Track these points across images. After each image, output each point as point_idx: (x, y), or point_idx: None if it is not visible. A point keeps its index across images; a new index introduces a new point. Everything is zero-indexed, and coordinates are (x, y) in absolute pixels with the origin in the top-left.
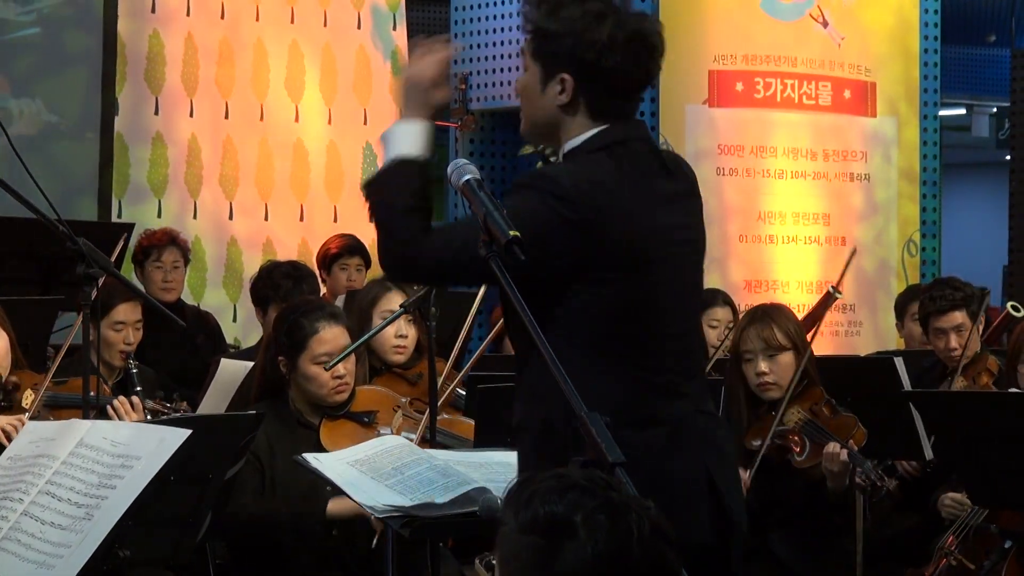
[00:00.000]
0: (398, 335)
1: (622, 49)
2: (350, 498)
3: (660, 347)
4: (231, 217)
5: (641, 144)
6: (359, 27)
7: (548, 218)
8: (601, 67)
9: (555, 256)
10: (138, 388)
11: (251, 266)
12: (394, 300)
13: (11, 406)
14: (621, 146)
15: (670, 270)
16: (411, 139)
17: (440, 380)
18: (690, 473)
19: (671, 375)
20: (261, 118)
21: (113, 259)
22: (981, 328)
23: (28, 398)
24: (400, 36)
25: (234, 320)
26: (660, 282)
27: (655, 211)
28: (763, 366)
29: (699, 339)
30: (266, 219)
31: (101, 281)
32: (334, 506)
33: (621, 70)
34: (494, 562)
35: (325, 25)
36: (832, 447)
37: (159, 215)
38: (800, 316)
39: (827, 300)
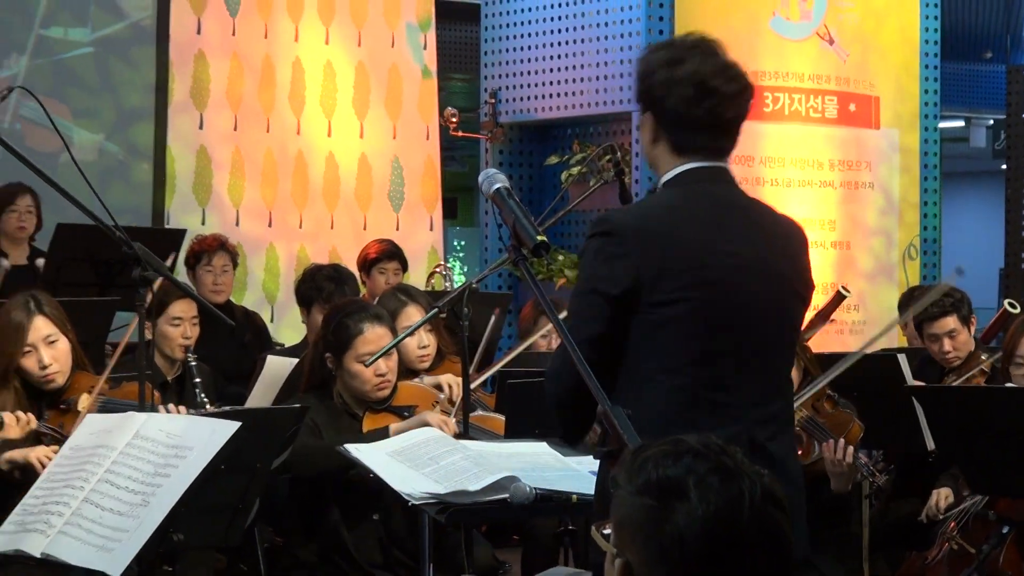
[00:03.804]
0: (420, 346)
1: (682, 90)
2: (388, 486)
3: (719, 366)
4: (270, 224)
5: (716, 183)
6: (392, 46)
7: (605, 253)
8: (668, 106)
9: (618, 282)
10: (197, 380)
11: (286, 270)
12: (411, 314)
13: (69, 409)
14: (697, 184)
15: (736, 292)
16: None
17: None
18: None
19: (727, 396)
20: (298, 132)
21: (169, 264)
22: (972, 329)
23: (85, 401)
24: (430, 55)
25: (271, 320)
26: (726, 302)
27: (717, 236)
28: None
29: (778, 371)
30: (300, 227)
31: (157, 284)
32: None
33: (687, 108)
34: (606, 531)
35: (359, 44)
36: (836, 450)
37: (203, 223)
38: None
39: (837, 299)
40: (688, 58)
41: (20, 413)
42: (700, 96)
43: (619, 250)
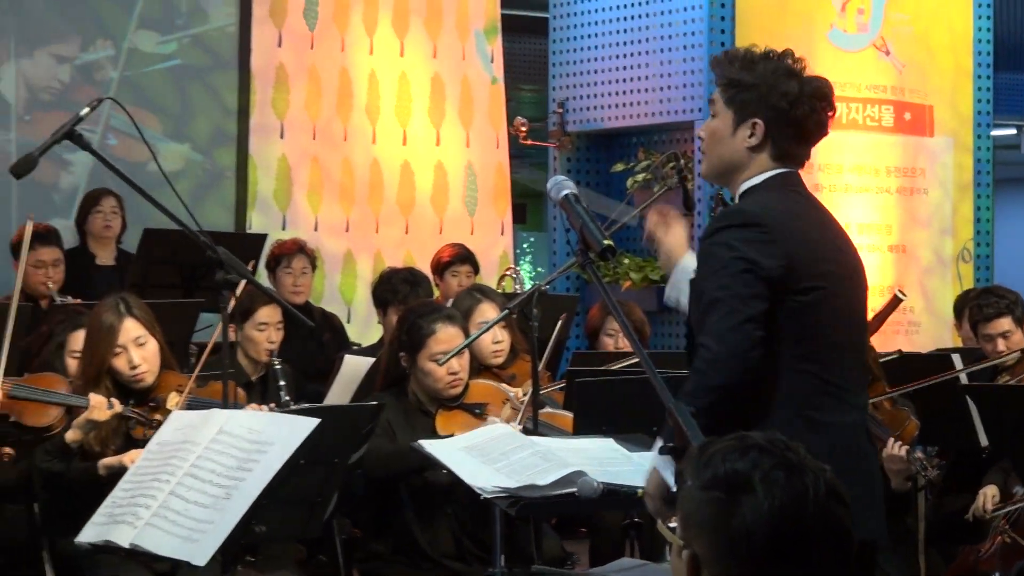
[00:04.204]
0: (494, 341)
1: (807, 101)
2: (461, 479)
3: (840, 357)
4: (347, 229)
5: (803, 188)
6: (464, 58)
7: (751, 239)
8: (790, 115)
9: (773, 265)
10: (281, 383)
11: (363, 273)
12: (486, 311)
13: (158, 407)
14: (792, 188)
15: (845, 290)
16: None
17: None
18: (857, 473)
19: (847, 384)
20: (373, 141)
21: (251, 268)
22: None
23: (173, 400)
24: (497, 66)
25: (348, 321)
26: (840, 298)
27: (823, 237)
28: None
29: (865, 357)
30: (376, 232)
31: (240, 288)
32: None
33: (806, 119)
34: (672, 525)
35: (434, 56)
36: (893, 448)
37: (283, 228)
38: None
39: (894, 302)
40: (798, 71)
41: (102, 399)
42: (819, 110)
43: (767, 236)
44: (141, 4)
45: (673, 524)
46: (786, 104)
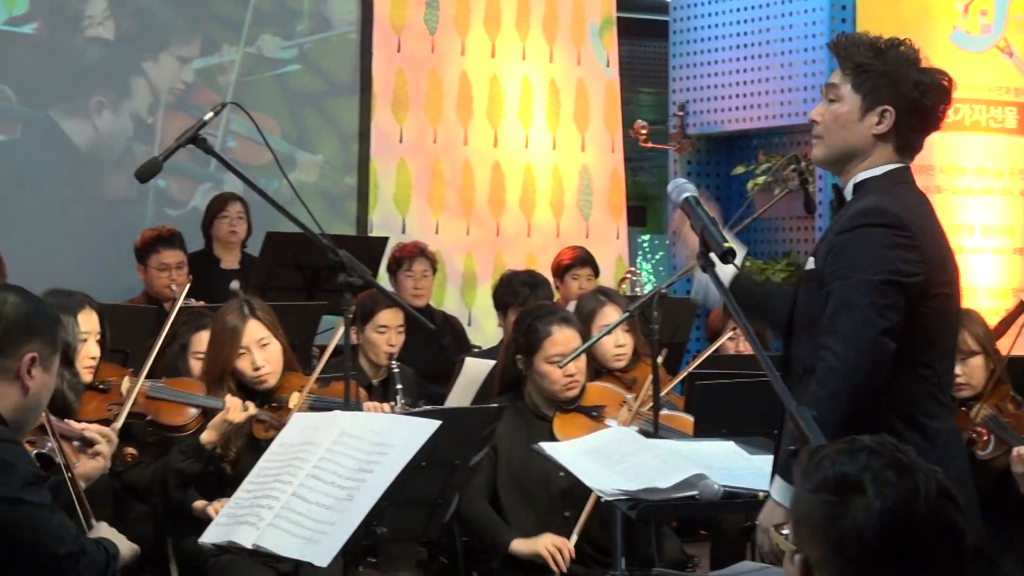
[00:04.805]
0: (617, 345)
1: (935, 92)
2: (582, 482)
3: (949, 362)
4: (467, 233)
5: (915, 183)
6: (579, 63)
7: (894, 242)
8: (920, 104)
9: (913, 271)
10: (399, 386)
11: (483, 276)
12: (609, 313)
13: (281, 407)
14: (912, 185)
15: (956, 294)
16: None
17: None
18: (965, 478)
19: (948, 388)
20: (495, 144)
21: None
22: None
23: (295, 401)
24: (613, 72)
25: (469, 324)
26: (953, 302)
27: (944, 239)
28: (956, 368)
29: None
30: (497, 235)
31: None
32: (517, 546)
33: (932, 111)
34: (785, 531)
35: (551, 61)
36: (1018, 451)
37: (403, 231)
38: (993, 321)
39: (1020, 309)
40: (922, 61)
41: (238, 401)
42: (944, 103)
43: (909, 241)
44: (262, 9)
45: (786, 531)
46: (917, 94)
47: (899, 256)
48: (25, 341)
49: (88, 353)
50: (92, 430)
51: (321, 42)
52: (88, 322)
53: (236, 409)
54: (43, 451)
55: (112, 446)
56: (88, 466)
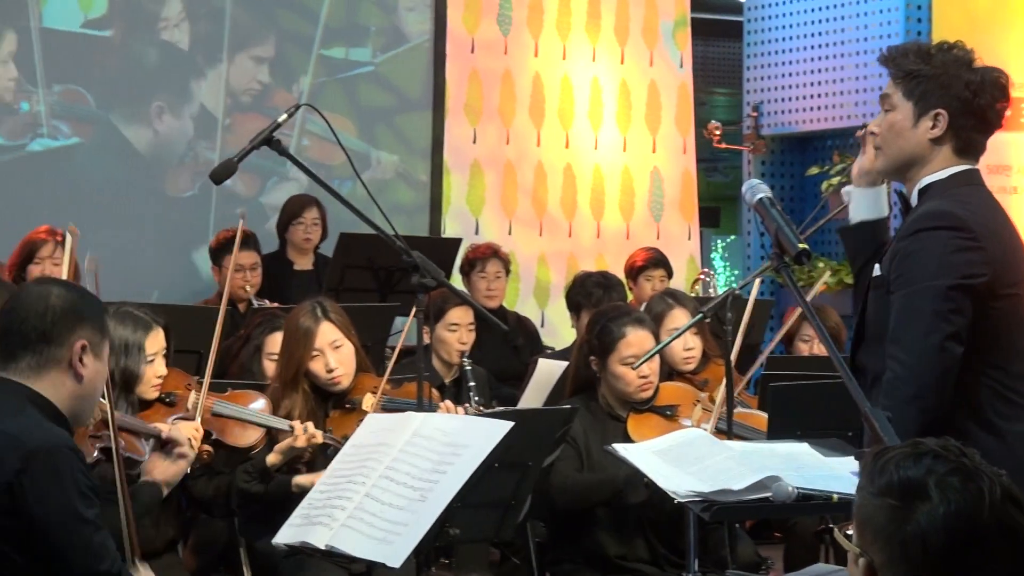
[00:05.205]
0: (686, 348)
1: (989, 91)
2: (654, 483)
3: (1020, 363)
4: (540, 234)
5: (985, 186)
6: (651, 64)
7: (958, 245)
8: (974, 104)
9: (978, 273)
10: (471, 384)
11: (555, 277)
12: (677, 316)
13: (354, 408)
14: (979, 186)
15: None
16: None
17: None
18: None
19: (1021, 389)
20: (567, 145)
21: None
22: None
23: (368, 402)
24: (686, 75)
25: (542, 325)
26: (1022, 304)
27: (1014, 239)
28: None
29: None
30: (569, 236)
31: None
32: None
33: (988, 109)
34: (849, 532)
35: (622, 62)
36: None
37: (476, 232)
38: None
39: None
40: (974, 61)
41: (310, 426)
42: (1000, 100)
43: (973, 243)
44: (336, 9)
45: (850, 531)
46: (969, 93)
47: (963, 259)
48: (74, 330)
49: (155, 373)
50: (178, 430)
51: (394, 43)
52: (155, 343)
53: (303, 436)
54: (107, 446)
55: (197, 445)
56: (170, 471)
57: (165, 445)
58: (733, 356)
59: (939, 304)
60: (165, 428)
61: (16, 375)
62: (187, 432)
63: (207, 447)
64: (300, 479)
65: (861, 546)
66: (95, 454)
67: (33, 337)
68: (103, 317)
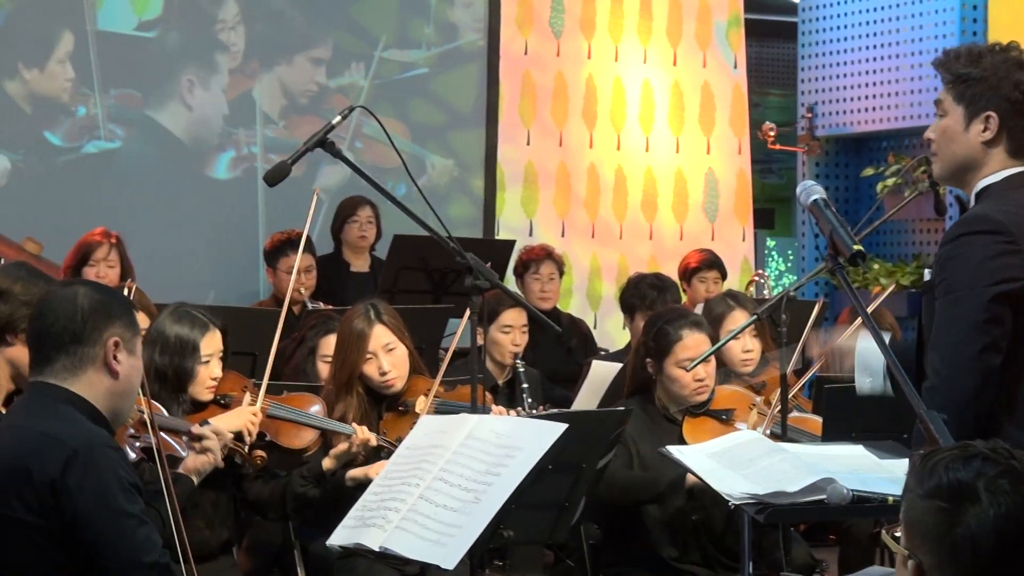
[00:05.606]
0: (744, 350)
1: None
2: (708, 486)
3: None
4: (592, 236)
5: None
6: (704, 66)
7: (997, 249)
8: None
9: (1018, 277)
10: (525, 385)
11: (608, 279)
12: (738, 318)
13: (408, 411)
14: None
15: None
16: None
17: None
18: None
19: None
20: (618, 147)
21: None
22: None
23: (421, 404)
24: (740, 76)
25: (595, 327)
26: None
27: None
28: None
29: None
30: (620, 238)
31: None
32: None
33: None
34: (897, 534)
35: (675, 64)
36: None
37: (530, 234)
38: None
39: None
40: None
41: (366, 430)
42: None
43: (1012, 246)
44: (392, 14)
45: (897, 533)
46: (1019, 94)
47: (1002, 263)
48: (105, 327)
49: (210, 374)
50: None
51: (449, 47)
52: (211, 344)
53: (361, 441)
54: (147, 445)
55: (223, 440)
56: (198, 461)
57: (195, 440)
58: (793, 359)
59: (977, 314)
60: (195, 426)
61: (53, 378)
62: (238, 421)
63: (260, 452)
64: (354, 472)
65: (910, 548)
66: (134, 455)
67: (65, 339)
68: (132, 313)
